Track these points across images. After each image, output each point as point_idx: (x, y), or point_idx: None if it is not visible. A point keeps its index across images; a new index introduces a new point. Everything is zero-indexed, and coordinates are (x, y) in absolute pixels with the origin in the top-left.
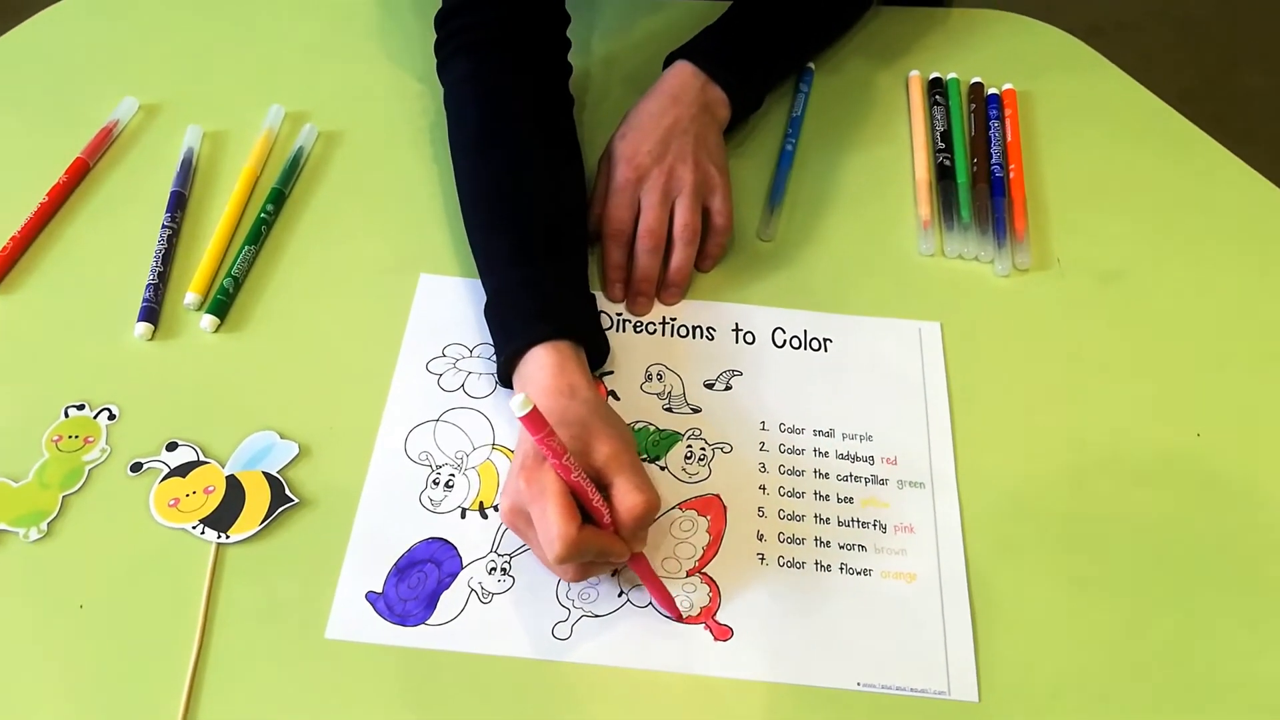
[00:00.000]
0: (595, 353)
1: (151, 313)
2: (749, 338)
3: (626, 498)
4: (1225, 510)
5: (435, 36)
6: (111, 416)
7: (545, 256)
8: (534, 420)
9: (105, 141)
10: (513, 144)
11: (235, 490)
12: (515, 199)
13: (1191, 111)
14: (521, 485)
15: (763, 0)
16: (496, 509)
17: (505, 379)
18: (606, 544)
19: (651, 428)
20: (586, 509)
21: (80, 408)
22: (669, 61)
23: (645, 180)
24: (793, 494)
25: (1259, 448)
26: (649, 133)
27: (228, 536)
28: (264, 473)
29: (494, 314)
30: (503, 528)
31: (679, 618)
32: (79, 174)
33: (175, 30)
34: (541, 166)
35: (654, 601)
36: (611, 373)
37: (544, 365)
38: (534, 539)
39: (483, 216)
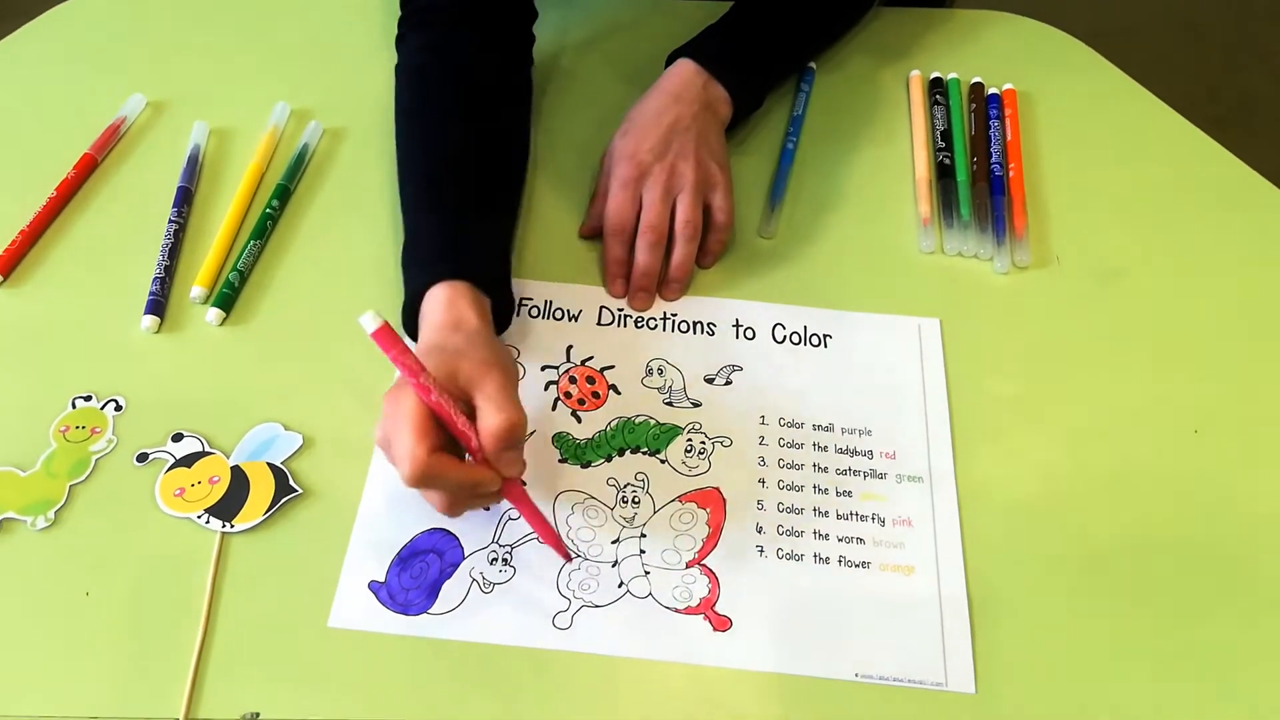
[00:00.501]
0: (499, 311)
1: (158, 306)
2: (749, 333)
3: (489, 417)
4: (1222, 506)
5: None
6: (118, 408)
7: (459, 210)
8: (385, 336)
9: (113, 138)
10: (446, 110)
11: (240, 480)
12: (441, 156)
13: (1196, 116)
14: (386, 409)
15: (765, 0)
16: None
17: (410, 324)
18: (467, 474)
19: (652, 421)
20: (453, 434)
21: (87, 399)
22: (671, 60)
23: (647, 177)
24: (792, 487)
25: (1255, 445)
26: (651, 130)
27: (232, 526)
28: (268, 464)
29: (406, 257)
30: (504, 519)
31: (566, 557)
32: (87, 169)
33: (182, 29)
34: (474, 133)
35: (540, 538)
36: (613, 367)
37: (438, 301)
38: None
39: (412, 169)
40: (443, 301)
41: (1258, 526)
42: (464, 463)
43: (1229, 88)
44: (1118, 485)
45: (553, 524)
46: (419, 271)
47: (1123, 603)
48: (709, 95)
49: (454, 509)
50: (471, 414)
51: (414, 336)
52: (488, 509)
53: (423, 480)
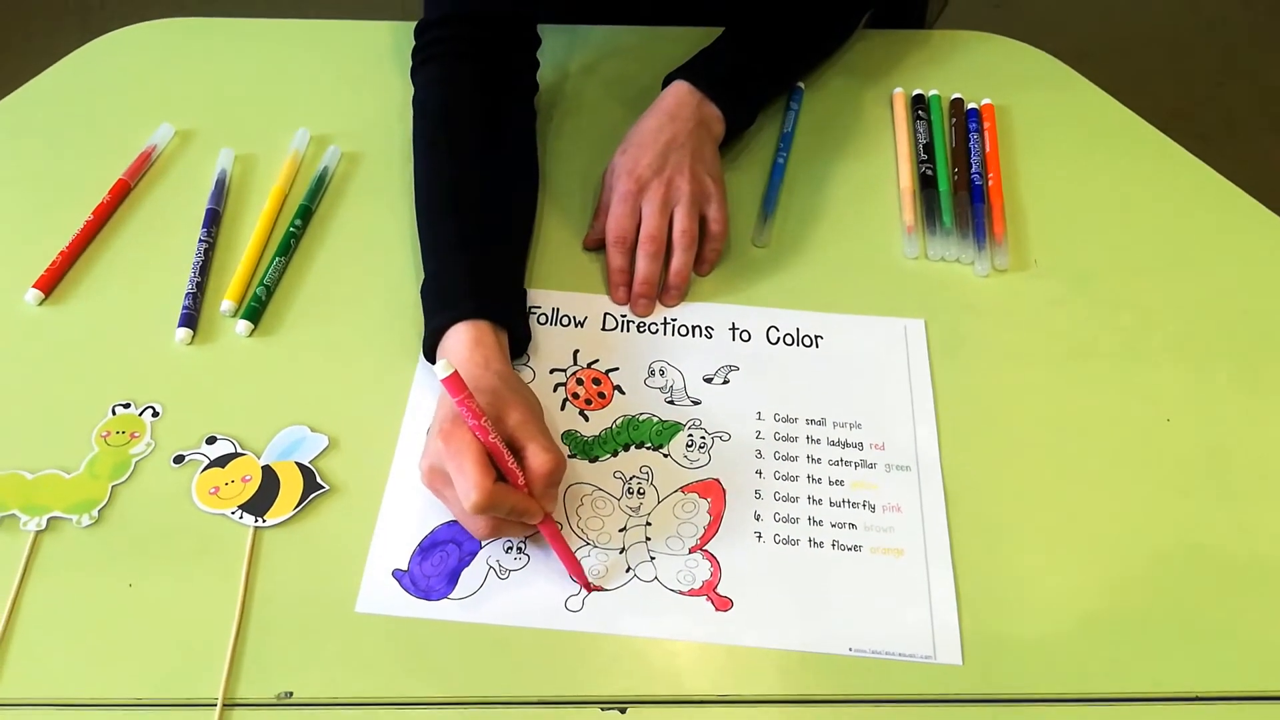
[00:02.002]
0: (516, 341)
1: (191, 319)
2: (745, 336)
3: (538, 457)
4: (1194, 488)
5: (414, 44)
6: (155, 414)
7: (481, 247)
8: (455, 383)
9: (145, 164)
10: (463, 144)
11: (270, 479)
12: (460, 194)
13: (1179, 132)
14: (440, 446)
15: (755, 24)
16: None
17: (429, 351)
18: (519, 501)
19: (655, 419)
20: (501, 470)
21: (126, 406)
22: (667, 81)
23: (646, 191)
24: (787, 478)
25: (1224, 431)
26: (649, 147)
27: (264, 520)
28: (296, 463)
29: (428, 292)
30: None
31: (587, 587)
32: (121, 194)
33: (207, 61)
34: (487, 168)
35: (565, 569)
36: (617, 369)
37: (463, 339)
38: (451, 497)
39: (433, 206)
40: (468, 340)
41: (1226, 504)
42: (517, 489)
43: (1212, 105)
44: (1095, 471)
45: (563, 520)
46: (443, 307)
47: (1100, 578)
48: (703, 114)
49: (495, 534)
50: (513, 453)
51: (432, 362)
52: (520, 540)
53: (489, 506)
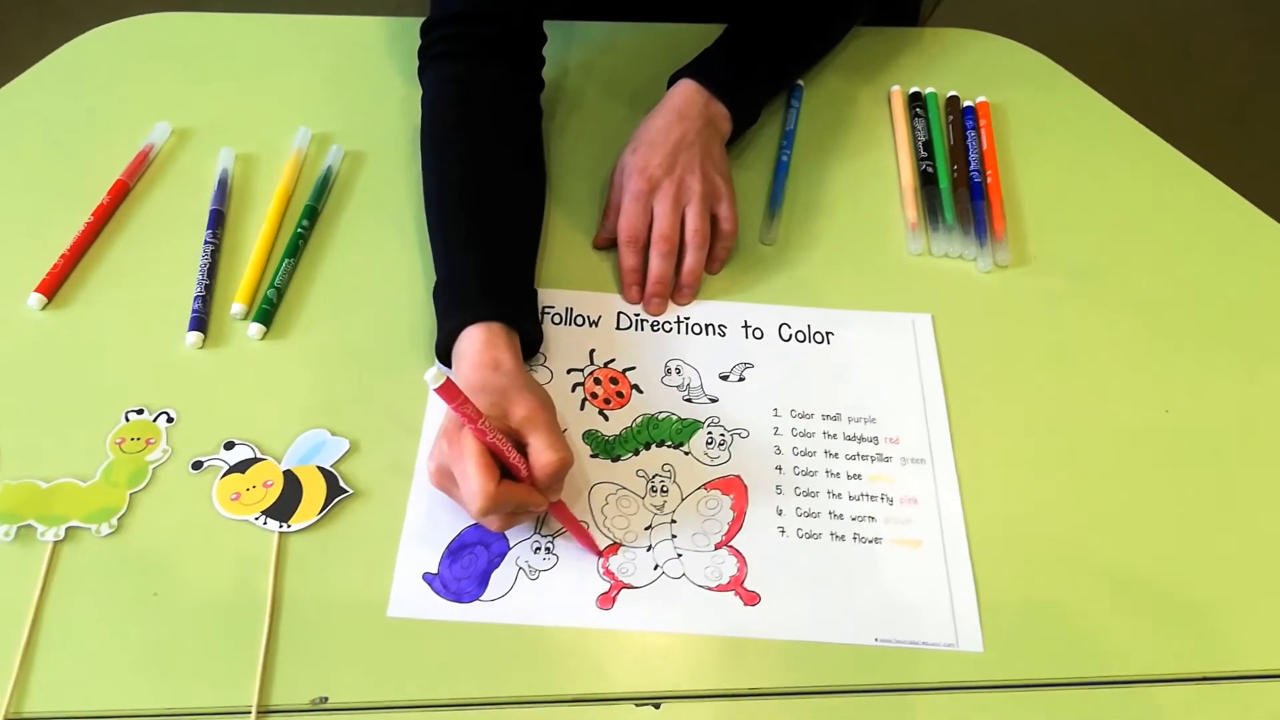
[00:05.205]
0: (529, 343)
1: (201, 322)
2: (757, 333)
3: (541, 455)
4: (1193, 476)
5: (419, 43)
6: (170, 419)
7: (493, 249)
8: (448, 390)
9: (143, 164)
10: (473, 144)
11: (293, 484)
12: (471, 195)
13: (1144, 120)
14: (445, 448)
15: (757, 21)
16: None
17: (443, 354)
18: (524, 496)
19: (674, 417)
20: (505, 465)
21: (139, 412)
22: (673, 80)
23: (657, 190)
24: (806, 473)
25: (1219, 421)
26: (659, 146)
27: (289, 526)
28: (318, 467)
29: (440, 295)
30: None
31: (598, 553)
32: (120, 195)
33: (199, 57)
34: (498, 168)
35: (577, 542)
36: (634, 368)
37: (475, 341)
38: (459, 496)
39: (443, 207)
40: (480, 342)
41: (1224, 488)
42: (521, 485)
43: (1176, 96)
44: (1099, 459)
45: (589, 520)
46: (456, 310)
47: (1112, 561)
48: (711, 113)
49: (506, 526)
50: (519, 446)
51: (445, 363)
52: (548, 540)
53: (493, 509)
